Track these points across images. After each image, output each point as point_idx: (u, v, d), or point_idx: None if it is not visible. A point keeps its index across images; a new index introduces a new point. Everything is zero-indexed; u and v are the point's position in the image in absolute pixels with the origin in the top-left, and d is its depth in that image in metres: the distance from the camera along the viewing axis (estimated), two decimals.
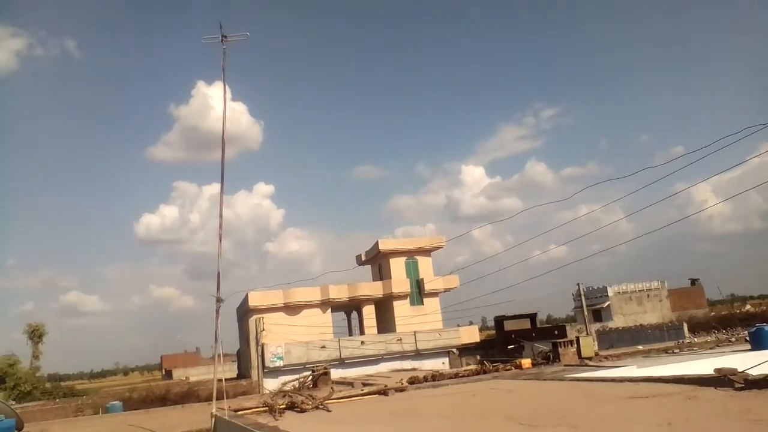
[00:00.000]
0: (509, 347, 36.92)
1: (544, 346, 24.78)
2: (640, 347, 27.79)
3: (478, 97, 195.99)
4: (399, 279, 41.78)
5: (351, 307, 45.06)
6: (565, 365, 20.29)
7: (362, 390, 15.86)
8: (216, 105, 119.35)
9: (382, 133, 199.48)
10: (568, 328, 42.61)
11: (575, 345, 22.11)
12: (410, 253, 42.95)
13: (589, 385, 13.26)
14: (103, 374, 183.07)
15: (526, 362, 21.69)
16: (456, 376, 20.35)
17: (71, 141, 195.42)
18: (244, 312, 40.67)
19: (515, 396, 12.76)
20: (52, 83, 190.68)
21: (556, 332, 39.44)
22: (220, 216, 13.75)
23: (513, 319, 46.38)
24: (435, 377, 19.99)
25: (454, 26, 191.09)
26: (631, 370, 16.66)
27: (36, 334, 56.38)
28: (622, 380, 13.05)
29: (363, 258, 46.06)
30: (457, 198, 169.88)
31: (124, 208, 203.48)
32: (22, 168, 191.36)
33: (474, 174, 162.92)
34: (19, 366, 53.74)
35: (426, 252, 43.44)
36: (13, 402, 38.69)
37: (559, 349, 21.85)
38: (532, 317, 46.87)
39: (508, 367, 21.39)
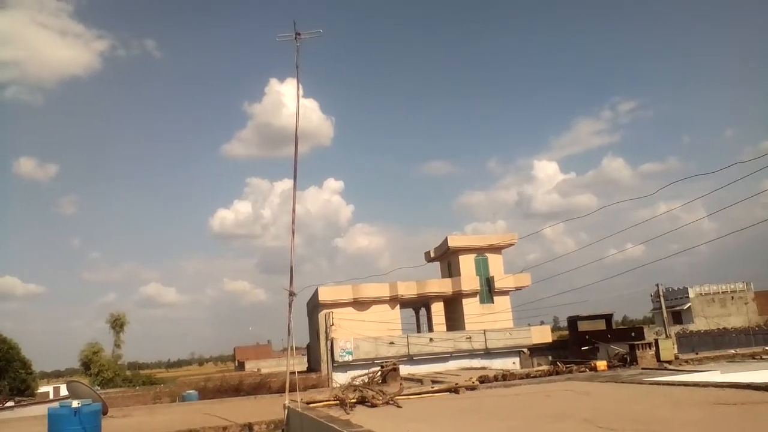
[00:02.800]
0: (583, 348, 35.95)
1: (620, 348, 23.97)
2: (732, 351, 26.38)
3: (552, 91, 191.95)
4: (468, 276, 41.34)
5: (419, 304, 44.95)
6: (642, 368, 19.53)
7: (432, 387, 15.73)
8: (288, 102, 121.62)
9: (453, 129, 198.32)
10: (645, 330, 41.09)
11: (654, 347, 21.24)
12: (480, 250, 42.40)
13: (670, 389, 12.67)
14: (179, 364, 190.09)
15: (601, 364, 21.01)
16: (527, 376, 19.90)
17: (150, 138, 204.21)
18: (314, 306, 41.22)
19: (591, 398, 12.32)
20: (133, 82, 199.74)
21: (632, 334, 38.11)
22: (293, 211, 13.87)
23: (587, 319, 45.06)
24: (506, 377, 19.61)
25: (528, 21, 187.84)
26: (715, 375, 15.83)
27: (118, 324, 59.03)
28: (706, 385, 12.41)
29: (432, 254, 45.84)
30: (529, 194, 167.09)
31: (200, 203, 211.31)
32: (105, 166, 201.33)
33: (547, 170, 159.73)
34: (103, 354, 56.47)
35: (496, 249, 42.78)
36: (98, 387, 40.67)
37: (637, 351, 21.06)
38: (608, 318, 45.40)
39: (582, 369, 20.77)
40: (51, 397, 44.26)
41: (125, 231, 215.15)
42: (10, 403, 32.81)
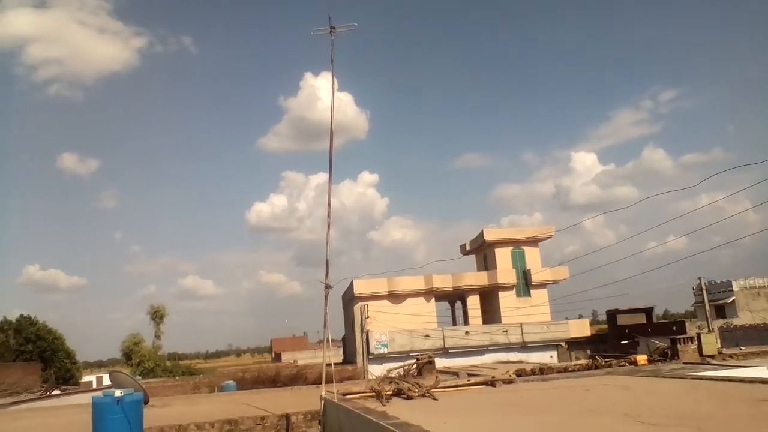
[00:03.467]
0: (622, 342, 35.36)
1: (660, 343, 23.50)
2: None
3: (590, 80, 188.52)
4: (505, 269, 41.01)
5: (455, 297, 44.78)
6: (684, 363, 19.09)
7: (468, 380, 15.64)
8: (323, 96, 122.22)
9: (488, 121, 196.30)
10: (687, 324, 40.11)
11: (696, 342, 20.78)
12: (517, 243, 42.03)
13: (713, 384, 12.35)
14: (217, 355, 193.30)
15: (641, 358, 20.61)
16: (565, 370, 19.65)
17: (188, 133, 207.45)
18: (350, 299, 41.41)
19: (632, 393, 12.09)
20: (170, 78, 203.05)
21: (674, 328, 37.30)
22: (329, 205, 13.91)
23: (627, 313, 44.31)
24: (543, 370, 19.40)
25: (564, 10, 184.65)
26: (761, 370, 15.37)
27: (158, 316, 60.35)
28: (752, 381, 12.05)
29: (467, 247, 45.60)
30: (567, 186, 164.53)
31: (237, 196, 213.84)
32: (144, 160, 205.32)
33: (585, 161, 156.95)
34: (143, 344, 57.80)
35: (533, 242, 42.36)
36: (139, 377, 41.60)
37: (678, 345, 20.63)
38: (648, 312, 44.57)
39: (622, 363, 20.40)
40: (94, 386, 45.45)
41: (164, 224, 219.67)
42: (56, 392, 33.78)
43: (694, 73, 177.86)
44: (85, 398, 25.79)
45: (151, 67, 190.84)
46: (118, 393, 11.05)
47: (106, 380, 45.60)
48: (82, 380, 51.46)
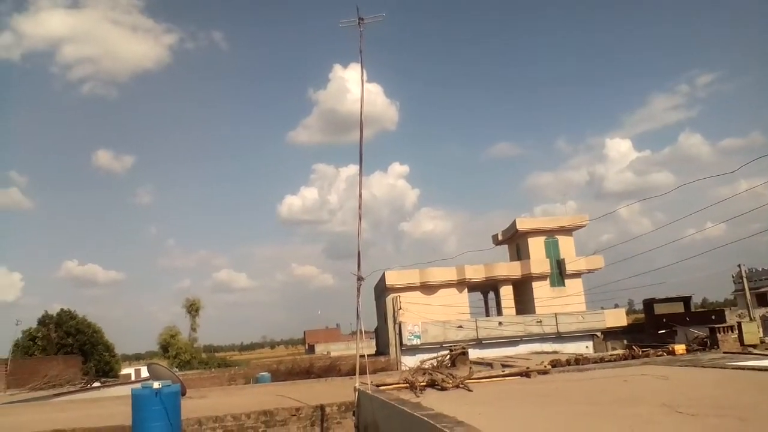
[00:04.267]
0: (660, 332, 34.77)
1: (699, 332, 23.03)
2: None
3: (624, 65, 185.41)
4: (538, 259, 40.65)
5: (488, 288, 44.55)
6: (724, 352, 18.66)
7: (503, 371, 15.53)
8: (352, 88, 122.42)
9: (519, 110, 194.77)
10: (727, 313, 39.29)
11: (736, 331, 20.30)
12: (550, 232, 41.61)
13: (755, 375, 12.05)
14: (251, 347, 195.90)
15: (679, 348, 20.20)
16: (601, 360, 19.37)
17: (219, 128, 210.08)
18: (382, 290, 41.49)
19: (670, 383, 11.86)
20: (201, 74, 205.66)
21: (713, 317, 36.55)
22: (360, 196, 13.88)
23: (664, 302, 43.53)
24: (579, 361, 19.16)
25: None
26: None
27: (193, 308, 61.36)
28: None
29: (500, 237, 45.30)
30: (601, 174, 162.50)
31: (268, 190, 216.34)
32: (177, 156, 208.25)
33: (620, 148, 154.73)
34: (180, 337, 58.81)
35: (567, 231, 41.88)
36: (176, 369, 42.34)
37: (718, 335, 20.18)
38: (686, 301, 43.73)
39: (660, 353, 20.03)
40: (132, 378, 46.42)
41: (198, 219, 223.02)
42: (96, 384, 34.62)
43: (733, 56, 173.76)
44: (124, 390, 26.36)
45: (182, 63, 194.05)
46: (156, 385, 11.23)
47: (144, 372, 46.53)
48: (121, 373, 52.62)
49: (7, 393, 29.67)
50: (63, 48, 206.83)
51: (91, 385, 33.81)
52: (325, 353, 62.55)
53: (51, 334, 44.77)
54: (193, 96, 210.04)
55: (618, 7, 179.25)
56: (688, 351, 20.00)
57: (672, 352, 19.76)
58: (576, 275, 41.27)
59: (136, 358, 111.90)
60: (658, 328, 37.16)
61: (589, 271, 41.26)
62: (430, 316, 36.79)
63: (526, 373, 14.72)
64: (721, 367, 13.97)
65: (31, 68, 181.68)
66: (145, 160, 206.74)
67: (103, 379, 39.91)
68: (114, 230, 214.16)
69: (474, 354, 29.33)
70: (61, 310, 47.66)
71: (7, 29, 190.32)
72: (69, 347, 44.44)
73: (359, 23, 14.10)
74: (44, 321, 46.26)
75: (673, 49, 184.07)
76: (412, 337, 36.35)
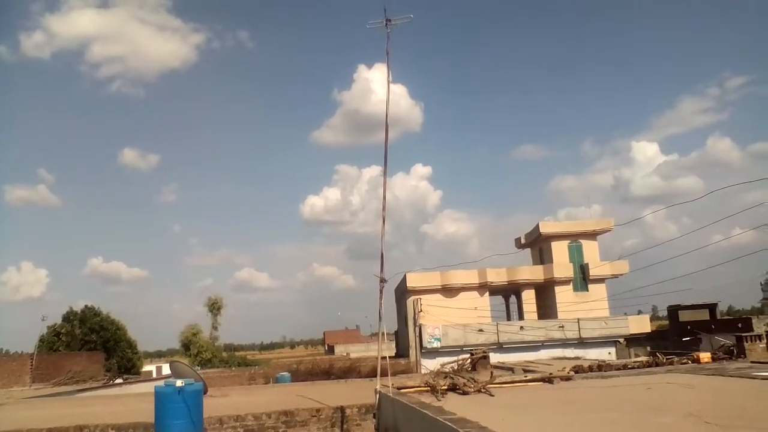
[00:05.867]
0: (684, 339, 34.22)
1: (725, 340, 22.63)
2: None
3: (652, 67, 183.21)
4: (561, 263, 40.29)
5: (509, 291, 44.27)
6: (752, 362, 18.31)
7: (525, 376, 15.39)
8: (377, 88, 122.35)
9: (544, 112, 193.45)
10: (754, 321, 38.58)
11: (765, 340, 19.94)
12: (574, 237, 41.21)
13: None
14: (271, 346, 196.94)
15: (704, 356, 19.87)
16: (625, 367, 19.11)
17: (244, 127, 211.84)
18: (402, 293, 41.42)
19: (697, 392, 11.66)
20: (227, 73, 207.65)
21: (739, 325, 35.87)
22: (384, 198, 13.83)
23: (689, 309, 42.80)
24: (602, 367, 18.91)
25: None
26: None
27: (215, 307, 61.79)
28: None
29: (522, 241, 44.98)
30: (627, 178, 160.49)
31: (291, 190, 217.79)
32: (202, 155, 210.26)
33: (646, 151, 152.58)
34: (201, 335, 59.25)
35: (591, 235, 41.45)
36: (198, 367, 42.67)
37: (745, 343, 19.84)
38: (712, 308, 42.95)
39: (684, 361, 19.73)
40: (154, 375, 46.88)
41: (221, 217, 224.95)
42: (118, 380, 34.99)
43: (766, 59, 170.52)
44: (146, 387, 26.62)
45: (209, 62, 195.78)
46: (179, 383, 11.31)
47: (166, 370, 47.04)
48: (143, 370, 53.20)
49: (32, 387, 30.11)
50: (92, 47, 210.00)
51: (113, 381, 34.17)
52: (345, 354, 62.67)
53: (75, 330, 45.38)
54: (218, 95, 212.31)
55: (648, 9, 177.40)
56: (713, 359, 19.66)
57: (697, 360, 19.44)
58: (600, 280, 40.82)
59: (158, 355, 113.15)
60: (682, 335, 36.57)
61: (614, 277, 40.78)
62: (451, 319, 36.63)
63: (549, 379, 14.57)
64: (748, 377, 13.69)
65: (60, 67, 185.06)
66: (170, 159, 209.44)
67: (125, 376, 40.32)
68: (138, 228, 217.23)
69: (494, 358, 29.08)
70: (86, 306, 48.32)
71: (39, 28, 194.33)
72: (92, 343, 44.99)
73: (386, 24, 14.06)
74: (69, 317, 46.89)
75: (704, 51, 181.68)
76: (433, 340, 36.22)
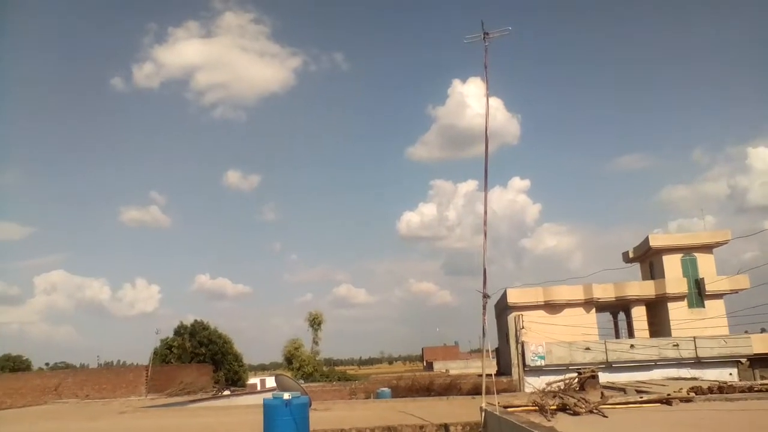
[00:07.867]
0: None
1: None
2: None
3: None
4: (674, 278, 38.08)
5: (618, 308, 42.30)
6: None
7: (639, 397, 14.50)
8: (471, 103, 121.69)
9: (650, 119, 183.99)
10: None
11: None
12: (687, 250, 38.86)
13: None
14: (370, 362, 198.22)
15: None
16: (750, 389, 17.63)
17: (340, 147, 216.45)
18: (503, 309, 40.53)
19: None
20: (324, 94, 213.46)
21: None
22: (485, 213, 13.52)
23: None
24: (723, 389, 17.55)
25: None
26: None
27: (316, 322, 62.85)
28: None
29: (631, 255, 42.93)
30: (744, 186, 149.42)
31: (387, 206, 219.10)
32: (300, 174, 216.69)
33: (765, 157, 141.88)
34: (303, 349, 60.45)
35: (706, 248, 38.94)
36: (301, 381, 43.54)
37: None
38: None
39: None
40: (258, 388, 48.27)
41: (319, 235, 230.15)
42: (226, 392, 36.25)
43: None
44: (252, 399, 27.32)
45: (306, 85, 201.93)
46: (286, 396, 11.44)
47: (269, 382, 48.31)
48: (248, 382, 54.94)
49: (148, 397, 31.72)
50: (197, 75, 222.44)
51: (221, 393, 35.43)
52: (444, 371, 62.01)
53: (186, 344, 47.56)
54: (315, 116, 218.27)
55: (761, 3, 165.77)
56: None
57: None
58: (717, 296, 38.17)
59: (261, 368, 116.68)
60: None
61: (733, 292, 38.03)
62: (555, 337, 35.32)
63: (667, 401, 13.65)
64: None
65: (168, 95, 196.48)
66: (269, 179, 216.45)
67: (232, 388, 41.77)
68: (242, 246, 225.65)
69: (603, 378, 27.69)
70: (195, 320, 50.57)
71: (149, 60, 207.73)
72: (201, 356, 46.96)
73: (484, 38, 13.84)
74: (179, 331, 49.23)
75: None
76: (536, 357, 35.06)
